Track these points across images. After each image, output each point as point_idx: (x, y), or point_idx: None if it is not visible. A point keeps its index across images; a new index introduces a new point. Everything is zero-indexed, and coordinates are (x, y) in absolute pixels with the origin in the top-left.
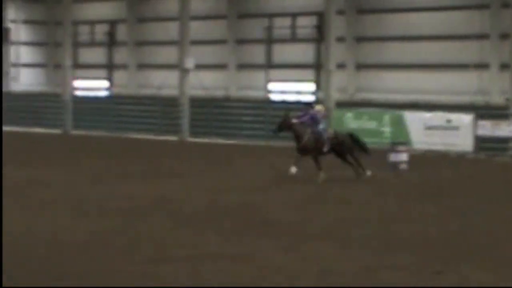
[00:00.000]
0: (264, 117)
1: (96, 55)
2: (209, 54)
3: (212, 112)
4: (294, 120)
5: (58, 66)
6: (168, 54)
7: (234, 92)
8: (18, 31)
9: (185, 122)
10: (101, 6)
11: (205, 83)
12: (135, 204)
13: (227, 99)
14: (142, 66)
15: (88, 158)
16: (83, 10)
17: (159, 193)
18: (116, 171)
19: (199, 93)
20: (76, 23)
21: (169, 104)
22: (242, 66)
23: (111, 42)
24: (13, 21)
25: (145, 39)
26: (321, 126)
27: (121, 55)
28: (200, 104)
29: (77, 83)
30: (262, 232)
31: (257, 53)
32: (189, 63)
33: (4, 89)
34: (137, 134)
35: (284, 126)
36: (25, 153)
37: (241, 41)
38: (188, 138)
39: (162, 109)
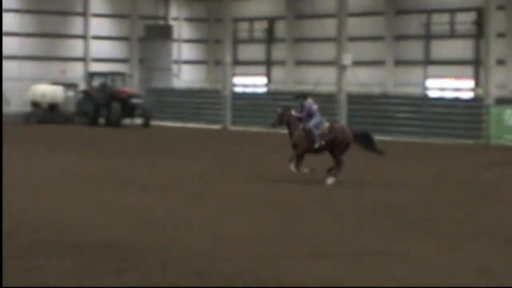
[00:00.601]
0: (421, 114)
1: (255, 51)
2: (366, 50)
3: (369, 109)
4: (294, 113)
5: (218, 63)
6: (326, 50)
7: (391, 89)
8: (180, 29)
9: (342, 118)
10: (260, 3)
11: (362, 80)
12: (295, 200)
13: (384, 95)
14: (299, 63)
15: (247, 154)
16: (242, 7)
17: (318, 189)
18: (272, 167)
19: (356, 89)
20: (236, 20)
21: (326, 100)
22: (400, 63)
23: (270, 38)
24: (175, 19)
25: (303, 35)
26: (315, 120)
27: (279, 52)
28: (357, 100)
29: (236, 80)
30: (420, 230)
31: (415, 49)
32: (347, 59)
33: (166, 86)
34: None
35: (283, 119)
36: (186, 148)
37: (398, 37)
38: None
39: (319, 106)
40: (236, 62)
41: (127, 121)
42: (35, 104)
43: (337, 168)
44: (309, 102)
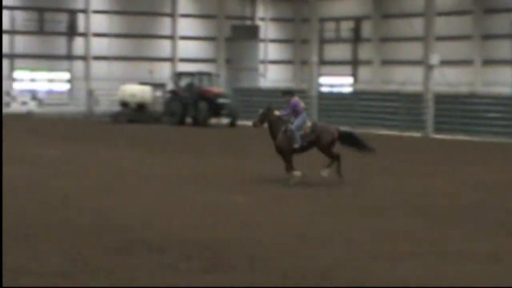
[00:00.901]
0: (510, 114)
1: (341, 51)
2: (454, 49)
3: (456, 109)
4: (276, 113)
5: (304, 63)
6: (413, 50)
7: (479, 88)
8: (267, 29)
9: (429, 118)
10: (347, 3)
11: (449, 79)
12: (380, 201)
13: (472, 95)
14: (386, 62)
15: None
16: (329, 7)
17: (404, 189)
18: (355, 168)
19: (444, 89)
20: (322, 20)
21: (413, 100)
22: (488, 62)
23: (356, 38)
24: (262, 19)
25: (390, 35)
26: (299, 121)
27: (365, 51)
28: (444, 100)
29: (322, 79)
30: (509, 231)
31: (503, 48)
32: (434, 59)
33: (252, 85)
34: (381, 129)
35: (265, 119)
36: (270, 148)
37: (487, 37)
38: (432, 134)
39: (406, 105)
40: (322, 62)
41: (214, 120)
42: (124, 104)
43: (332, 163)
44: (296, 100)
